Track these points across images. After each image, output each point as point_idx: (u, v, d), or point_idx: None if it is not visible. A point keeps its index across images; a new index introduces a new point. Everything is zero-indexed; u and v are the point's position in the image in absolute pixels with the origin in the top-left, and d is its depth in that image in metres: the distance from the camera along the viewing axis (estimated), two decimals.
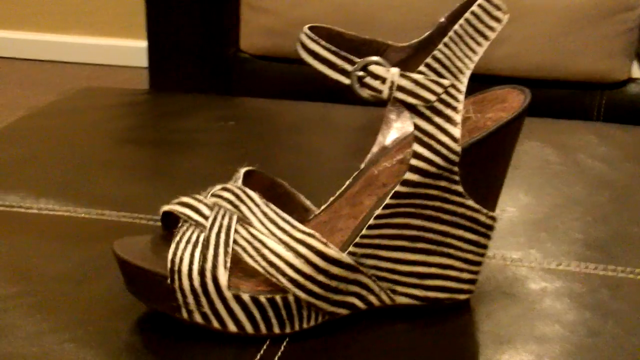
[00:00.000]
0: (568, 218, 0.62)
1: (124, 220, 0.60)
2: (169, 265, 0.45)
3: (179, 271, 0.45)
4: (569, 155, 0.75)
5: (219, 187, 0.49)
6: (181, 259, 0.45)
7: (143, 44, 1.31)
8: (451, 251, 0.48)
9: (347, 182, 0.52)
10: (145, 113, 0.91)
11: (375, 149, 0.53)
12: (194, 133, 0.80)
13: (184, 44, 1.32)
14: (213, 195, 0.48)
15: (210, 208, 0.47)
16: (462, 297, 0.49)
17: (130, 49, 2.24)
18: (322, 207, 0.52)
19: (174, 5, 1.29)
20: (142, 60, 1.36)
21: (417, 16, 1.20)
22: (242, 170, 0.51)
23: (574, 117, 1.10)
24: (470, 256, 0.49)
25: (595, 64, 1.13)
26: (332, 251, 0.45)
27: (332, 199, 0.52)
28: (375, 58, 0.46)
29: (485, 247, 0.49)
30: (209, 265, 0.45)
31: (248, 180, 0.51)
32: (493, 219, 0.49)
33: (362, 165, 0.53)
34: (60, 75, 2.21)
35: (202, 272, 0.45)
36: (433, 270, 0.48)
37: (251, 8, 1.28)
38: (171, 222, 0.49)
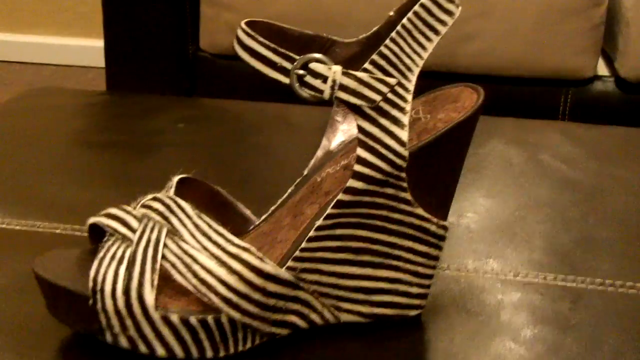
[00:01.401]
0: (529, 223, 0.58)
1: (59, 232, 0.56)
2: (90, 284, 0.41)
3: (102, 290, 0.41)
4: (533, 155, 0.72)
5: (149, 196, 0.45)
6: (104, 277, 0.42)
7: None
8: (399, 264, 0.45)
9: (289, 190, 0.49)
10: (101, 114, 0.86)
11: (319, 153, 0.50)
12: (151, 136, 0.76)
13: (141, 43, 1.28)
14: (143, 205, 0.45)
15: (139, 220, 0.44)
16: (412, 313, 0.46)
17: (93, 48, 2.19)
18: (263, 217, 0.49)
19: (132, 2, 1.25)
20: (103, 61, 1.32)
21: (385, 11, 1.16)
22: (175, 179, 0.47)
23: (540, 114, 1.08)
24: (420, 269, 0.45)
25: (562, 61, 1.11)
26: (269, 267, 0.42)
27: (273, 207, 0.49)
28: (316, 55, 0.42)
29: (436, 258, 0.45)
30: (134, 283, 0.41)
31: (183, 188, 0.47)
32: (444, 228, 0.45)
33: (305, 172, 0.49)
34: (21, 75, 2.15)
35: (127, 292, 0.41)
36: (380, 284, 0.45)
37: (211, 5, 1.24)
38: (101, 235, 0.45)
